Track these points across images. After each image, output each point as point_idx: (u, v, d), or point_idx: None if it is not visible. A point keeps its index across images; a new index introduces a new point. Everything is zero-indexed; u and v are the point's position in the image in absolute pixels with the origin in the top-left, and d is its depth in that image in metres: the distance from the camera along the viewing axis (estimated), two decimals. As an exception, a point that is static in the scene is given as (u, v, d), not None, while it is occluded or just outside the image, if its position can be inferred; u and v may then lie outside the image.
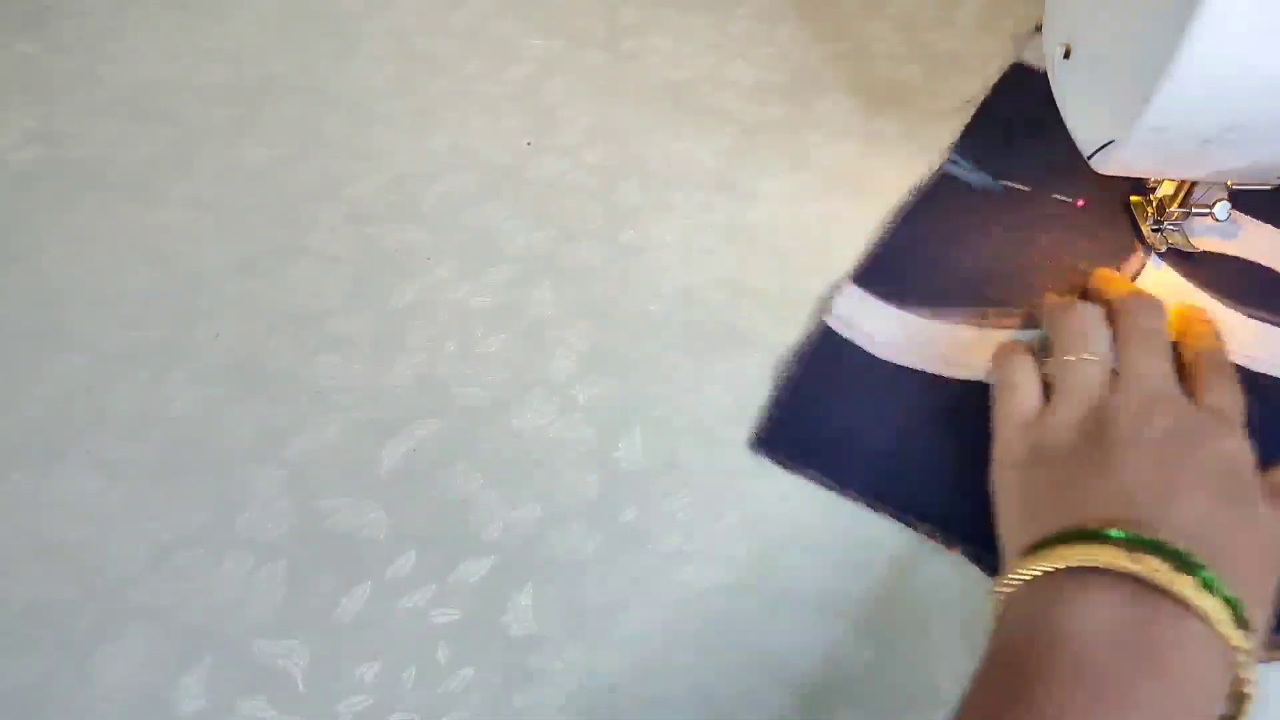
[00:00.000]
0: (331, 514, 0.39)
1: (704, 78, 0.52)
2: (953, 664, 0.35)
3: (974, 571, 0.37)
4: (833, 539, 0.38)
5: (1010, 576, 0.31)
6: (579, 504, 0.39)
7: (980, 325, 0.42)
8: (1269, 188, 0.40)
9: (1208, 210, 0.42)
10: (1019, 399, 0.37)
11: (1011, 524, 0.35)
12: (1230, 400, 0.36)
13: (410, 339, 0.44)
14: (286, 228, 0.47)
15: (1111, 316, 0.38)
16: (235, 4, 0.57)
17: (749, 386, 0.42)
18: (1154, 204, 0.43)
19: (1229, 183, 0.41)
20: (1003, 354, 0.39)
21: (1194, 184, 0.42)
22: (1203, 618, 0.28)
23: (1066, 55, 0.39)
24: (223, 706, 0.35)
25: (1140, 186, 0.44)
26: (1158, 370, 0.36)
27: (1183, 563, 0.29)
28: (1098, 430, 0.34)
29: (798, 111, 0.51)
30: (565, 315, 0.44)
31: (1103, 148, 0.36)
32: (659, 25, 0.55)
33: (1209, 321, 0.40)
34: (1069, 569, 0.30)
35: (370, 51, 0.54)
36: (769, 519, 0.39)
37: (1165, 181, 0.42)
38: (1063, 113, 0.40)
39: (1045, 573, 0.30)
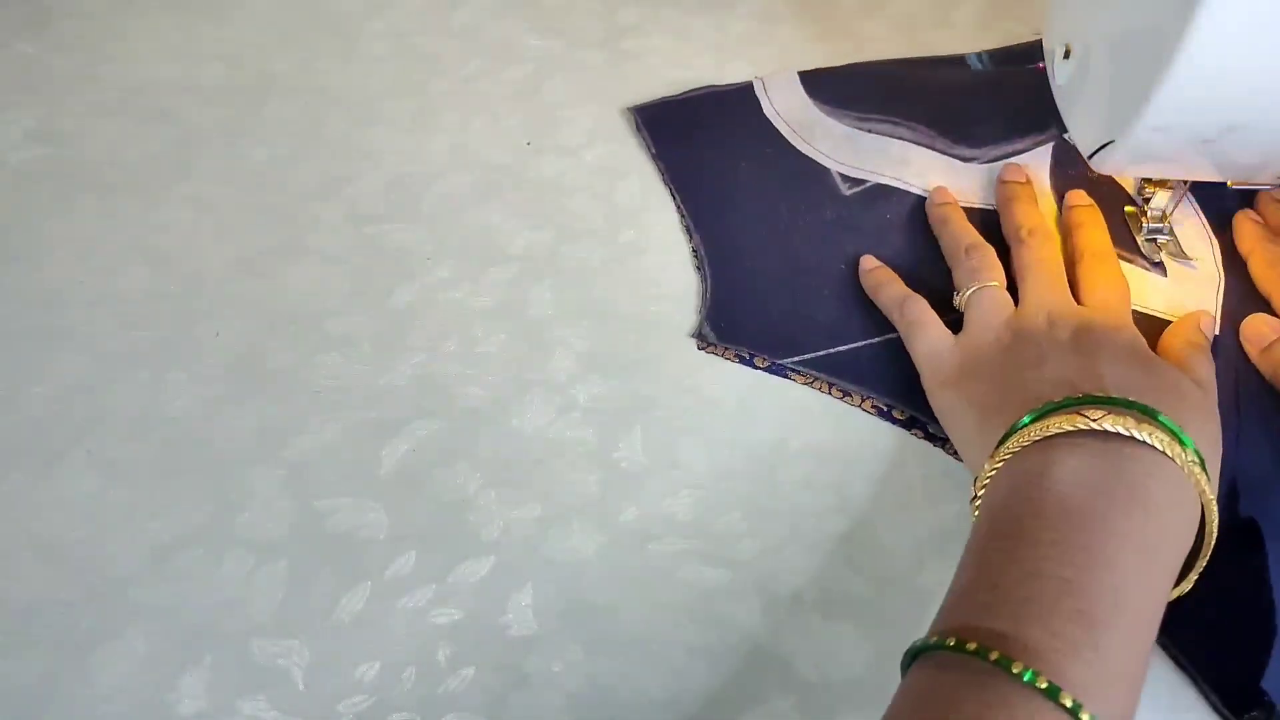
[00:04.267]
0: (331, 514, 0.39)
1: (704, 78, 0.52)
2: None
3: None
4: (833, 539, 0.38)
5: (987, 469, 0.33)
6: (579, 504, 0.39)
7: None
8: (1269, 187, 0.40)
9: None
10: (931, 333, 0.40)
11: (969, 436, 0.37)
12: (1113, 290, 0.39)
13: (410, 339, 0.44)
14: (286, 228, 0.47)
15: (1009, 244, 0.43)
16: (235, 4, 0.57)
17: (749, 386, 0.42)
18: (1147, 215, 0.43)
19: (1229, 182, 0.41)
20: (891, 297, 0.42)
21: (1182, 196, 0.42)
22: (1170, 456, 0.31)
23: (1066, 55, 0.39)
24: (223, 706, 0.35)
25: (1134, 198, 0.44)
26: (1054, 291, 0.40)
27: (1141, 411, 0.32)
28: (1015, 341, 0.38)
29: (798, 111, 0.51)
30: (565, 315, 0.44)
31: (1103, 148, 0.37)
32: (659, 25, 0.55)
33: (1091, 211, 0.43)
34: (1036, 444, 0.32)
35: (370, 51, 0.54)
36: (769, 519, 0.39)
37: (1159, 192, 0.42)
38: (1062, 112, 0.40)
39: (1015, 454, 0.33)
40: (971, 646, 0.26)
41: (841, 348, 0.42)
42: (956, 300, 0.41)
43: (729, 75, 0.52)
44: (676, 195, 0.47)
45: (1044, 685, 0.24)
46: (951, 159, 0.47)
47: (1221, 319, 0.41)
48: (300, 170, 0.49)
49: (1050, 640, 0.26)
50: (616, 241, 0.46)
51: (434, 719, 0.35)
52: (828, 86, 0.50)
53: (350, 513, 0.39)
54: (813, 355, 0.42)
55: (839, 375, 0.42)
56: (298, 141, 0.51)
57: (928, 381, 0.40)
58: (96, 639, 0.36)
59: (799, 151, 0.48)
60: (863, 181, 0.47)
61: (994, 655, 0.25)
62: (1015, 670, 0.25)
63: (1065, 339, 0.37)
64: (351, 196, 0.48)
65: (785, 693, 0.35)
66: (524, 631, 0.36)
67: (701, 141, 0.49)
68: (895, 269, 0.44)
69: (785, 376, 0.42)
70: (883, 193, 0.46)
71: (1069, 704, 0.24)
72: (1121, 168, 0.38)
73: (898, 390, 0.41)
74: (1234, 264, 0.43)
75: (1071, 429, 0.32)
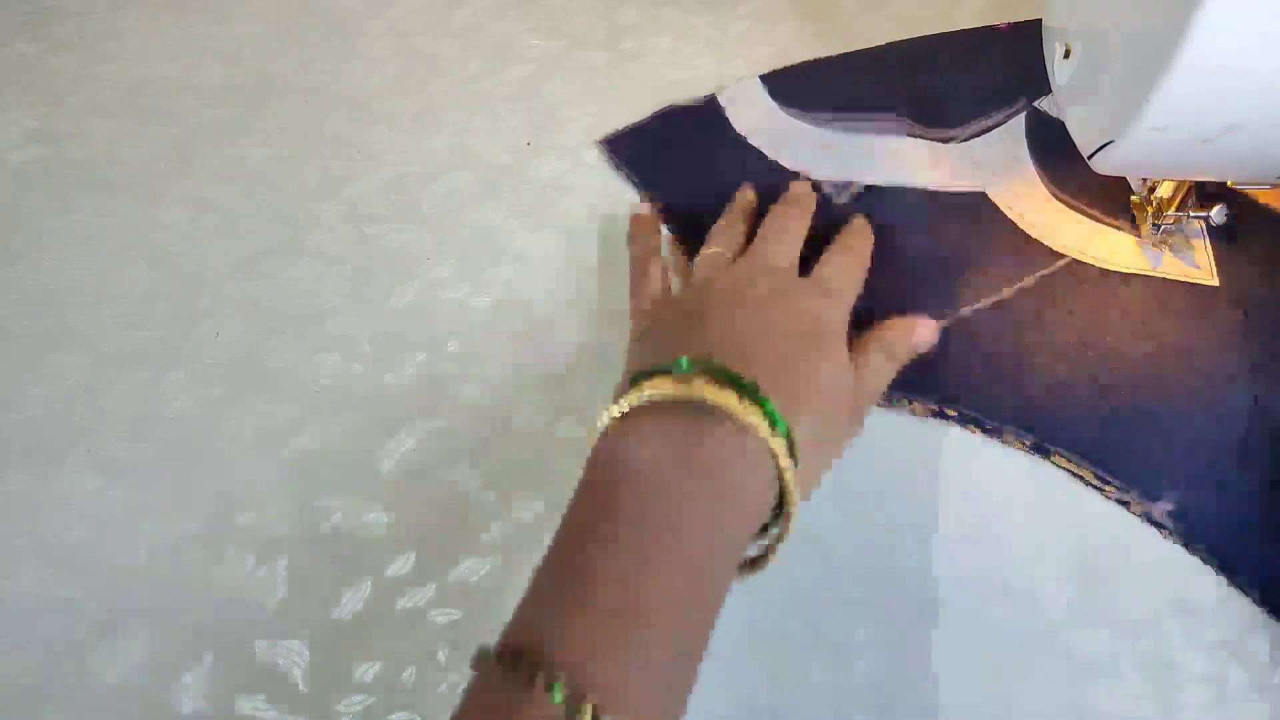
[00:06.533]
0: (331, 514, 0.39)
1: (704, 78, 0.52)
2: (954, 664, 0.35)
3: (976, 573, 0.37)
4: (833, 538, 0.38)
5: (595, 425, 0.33)
6: (579, 504, 0.39)
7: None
8: (1269, 187, 0.40)
9: (1204, 215, 0.42)
10: (649, 283, 0.41)
11: (623, 378, 0.37)
12: (840, 273, 0.39)
13: (410, 339, 0.44)
14: (286, 228, 0.47)
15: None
16: (235, 4, 0.57)
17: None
18: (1153, 204, 0.43)
19: (1229, 182, 0.41)
20: (635, 247, 0.43)
21: (1192, 187, 0.42)
22: (749, 430, 0.30)
23: (1066, 55, 0.39)
24: (223, 706, 0.35)
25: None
26: (775, 250, 0.39)
27: (730, 381, 0.31)
28: (704, 293, 0.37)
29: (798, 111, 0.51)
30: (565, 314, 0.44)
31: (1103, 148, 0.36)
32: (659, 25, 0.55)
33: (863, 227, 0.43)
34: (640, 408, 0.32)
35: (370, 51, 0.54)
36: (769, 519, 0.39)
37: (1164, 182, 0.42)
38: (1062, 112, 0.40)
39: (624, 416, 0.32)
40: (505, 662, 0.26)
41: None
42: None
43: (729, 75, 0.52)
44: (677, 232, 0.46)
45: (561, 698, 0.25)
46: (933, 143, 0.47)
47: (1221, 326, 0.41)
48: (300, 170, 0.49)
49: (581, 643, 0.27)
50: (616, 242, 0.46)
51: (434, 719, 0.35)
52: (793, 89, 0.50)
53: (350, 512, 0.39)
54: None
55: None
56: (298, 141, 0.51)
57: (631, 330, 0.40)
58: (96, 639, 0.36)
59: (782, 167, 0.47)
60: (848, 184, 0.46)
61: (523, 670, 0.26)
62: (538, 684, 0.26)
63: (750, 297, 0.36)
64: (351, 196, 0.48)
65: (785, 692, 0.35)
66: (524, 631, 0.36)
67: (684, 170, 0.48)
68: (897, 269, 0.44)
69: None
70: (874, 194, 0.46)
71: (587, 716, 0.25)
72: (1121, 168, 0.38)
73: (931, 386, 0.41)
74: (1232, 267, 0.43)
75: (668, 397, 0.31)
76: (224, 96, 0.53)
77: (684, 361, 0.32)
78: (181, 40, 0.55)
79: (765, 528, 0.32)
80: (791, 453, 0.31)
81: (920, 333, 0.39)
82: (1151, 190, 0.43)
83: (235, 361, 0.43)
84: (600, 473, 0.31)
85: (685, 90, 0.52)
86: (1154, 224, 0.43)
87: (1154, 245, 0.43)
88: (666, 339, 0.35)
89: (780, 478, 0.31)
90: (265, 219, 0.48)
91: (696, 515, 0.29)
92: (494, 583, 0.37)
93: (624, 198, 0.48)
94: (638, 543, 0.29)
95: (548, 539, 0.38)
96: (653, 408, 0.32)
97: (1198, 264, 0.43)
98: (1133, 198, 0.44)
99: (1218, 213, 0.41)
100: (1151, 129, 0.34)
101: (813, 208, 0.43)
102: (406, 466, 0.40)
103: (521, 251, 0.46)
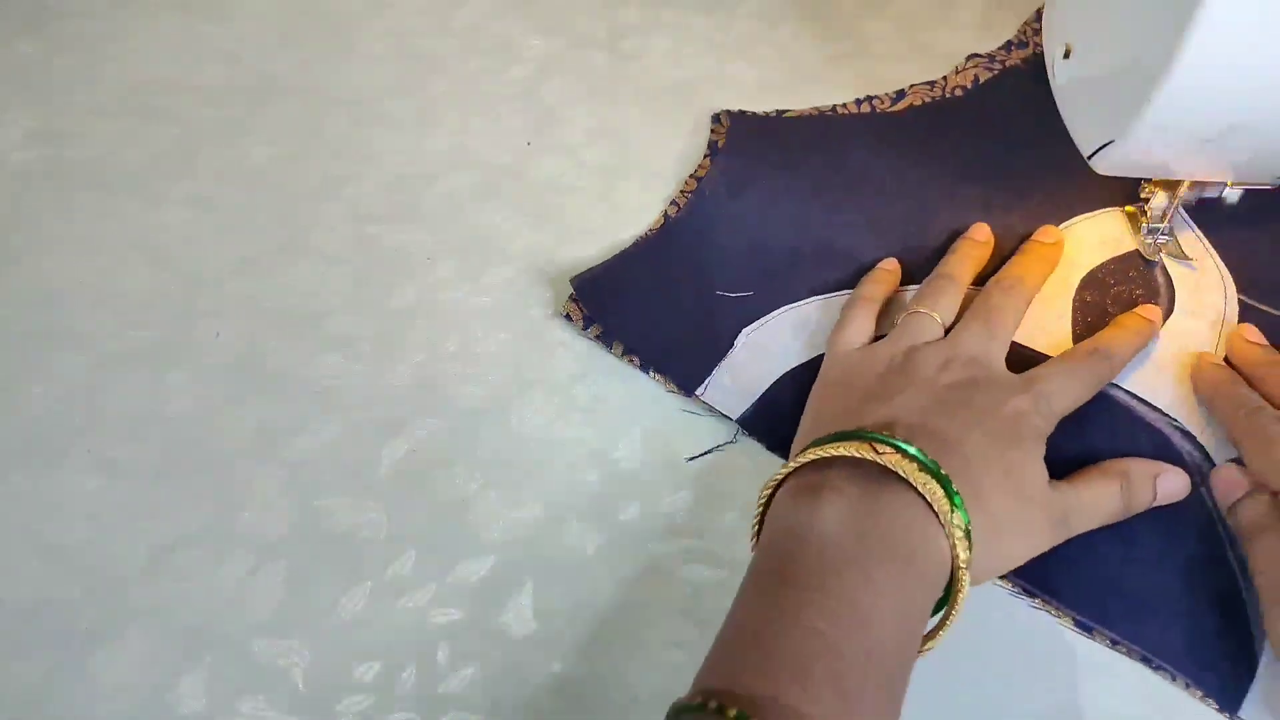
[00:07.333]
0: (331, 514, 0.39)
1: (704, 78, 0.52)
2: (953, 664, 0.35)
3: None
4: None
5: (768, 483, 0.33)
6: (579, 504, 0.39)
7: None
8: (1268, 188, 0.40)
9: (1216, 197, 0.41)
10: (848, 333, 0.40)
11: (798, 442, 0.38)
12: (1056, 383, 0.36)
13: (410, 339, 0.44)
14: (286, 228, 0.47)
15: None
16: (235, 4, 0.57)
17: (749, 386, 0.42)
18: (1147, 214, 0.43)
19: (1229, 182, 0.41)
20: (851, 299, 0.42)
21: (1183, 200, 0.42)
22: (929, 502, 0.30)
23: (1066, 55, 0.39)
24: (223, 706, 0.35)
25: (1135, 197, 0.44)
26: (980, 337, 0.38)
27: (920, 463, 0.31)
28: (901, 368, 0.37)
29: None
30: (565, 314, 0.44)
31: (1102, 148, 0.36)
32: (659, 25, 0.55)
33: (1144, 323, 0.40)
34: (821, 468, 0.32)
35: (370, 51, 0.54)
36: (769, 519, 0.39)
37: (1159, 192, 0.42)
38: (1062, 112, 0.40)
39: (802, 470, 0.32)
40: (732, 713, 0.26)
41: None
42: (898, 319, 0.40)
43: (729, 75, 0.52)
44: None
45: None
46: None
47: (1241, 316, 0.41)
48: (300, 170, 0.49)
49: (808, 705, 0.26)
50: (616, 241, 0.46)
51: (434, 719, 0.35)
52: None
53: (350, 513, 0.39)
54: None
55: None
56: (298, 141, 0.51)
57: (819, 374, 0.40)
58: (96, 639, 0.36)
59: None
60: None
61: None
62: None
63: (946, 383, 0.36)
64: (351, 196, 0.48)
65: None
66: (524, 631, 0.36)
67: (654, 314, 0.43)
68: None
69: None
70: None
71: None
72: (1121, 168, 0.38)
73: None
74: (1235, 260, 0.43)
75: (854, 455, 0.31)
76: (224, 96, 0.53)
77: (883, 435, 0.32)
78: (182, 40, 0.55)
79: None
80: (967, 536, 0.30)
81: (1168, 480, 0.36)
82: (1146, 201, 0.43)
83: (235, 362, 0.43)
84: (788, 539, 0.31)
85: (684, 90, 0.52)
86: (1148, 234, 0.43)
87: (1150, 255, 0.43)
88: (853, 407, 0.35)
89: (953, 556, 0.30)
90: (266, 219, 0.48)
91: (889, 603, 0.29)
92: (494, 583, 0.37)
93: (624, 195, 0.48)
94: (821, 615, 0.28)
95: (548, 539, 0.38)
96: (833, 469, 0.32)
97: (1195, 268, 0.43)
98: (1127, 208, 0.44)
99: (1231, 192, 0.41)
100: (1151, 129, 0.34)
101: (1037, 287, 0.41)
102: (406, 467, 0.40)
103: (521, 251, 0.46)
